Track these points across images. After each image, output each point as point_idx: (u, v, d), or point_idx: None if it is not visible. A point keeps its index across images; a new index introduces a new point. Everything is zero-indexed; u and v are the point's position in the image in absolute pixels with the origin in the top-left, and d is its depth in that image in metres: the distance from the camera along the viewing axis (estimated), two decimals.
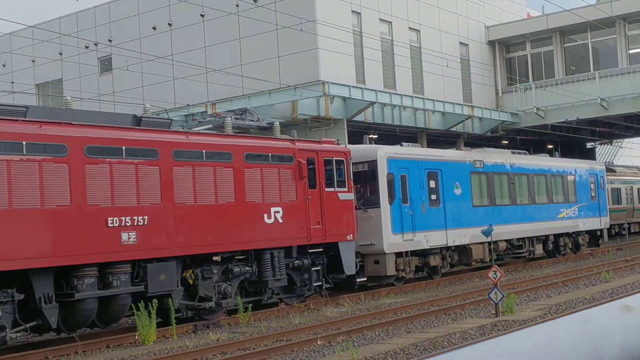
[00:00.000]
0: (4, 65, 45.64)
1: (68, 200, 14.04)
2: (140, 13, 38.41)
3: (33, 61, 43.69)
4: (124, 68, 37.94)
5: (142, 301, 14.71)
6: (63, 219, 13.94)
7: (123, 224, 14.79)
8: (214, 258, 17.23)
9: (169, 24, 36.48)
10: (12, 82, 42.85)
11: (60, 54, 41.75)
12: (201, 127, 18.90)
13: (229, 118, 18.57)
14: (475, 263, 26.25)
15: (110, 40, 39.10)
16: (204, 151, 16.56)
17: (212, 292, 16.80)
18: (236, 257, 17.67)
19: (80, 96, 38.67)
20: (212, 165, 16.66)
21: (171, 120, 17.13)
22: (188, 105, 30.65)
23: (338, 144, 20.68)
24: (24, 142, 13.50)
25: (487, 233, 19.00)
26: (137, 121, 16.16)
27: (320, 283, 19.50)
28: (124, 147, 15.05)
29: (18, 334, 14.15)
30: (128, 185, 15.03)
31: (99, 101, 37.11)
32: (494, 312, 15.65)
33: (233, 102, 30.46)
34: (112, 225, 14.63)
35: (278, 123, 19.63)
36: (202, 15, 34.32)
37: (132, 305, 14.78)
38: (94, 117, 15.94)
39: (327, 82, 28.80)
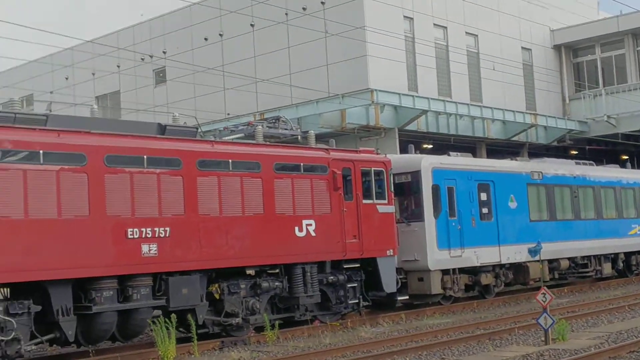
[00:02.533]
0: (66, 79, 46.87)
1: (86, 211, 14.08)
2: (193, 24, 38.91)
3: (93, 74, 44.75)
4: (177, 79, 38.50)
5: (162, 316, 14.63)
6: (81, 230, 13.97)
7: (143, 236, 14.75)
8: (248, 272, 17.07)
9: (220, 35, 36.82)
10: (74, 95, 44.00)
11: (118, 66, 42.71)
12: (232, 136, 18.81)
13: (260, 127, 18.42)
14: (534, 282, 25.18)
15: (164, 52, 39.74)
16: (230, 161, 16.42)
17: (239, 308, 16.60)
18: (266, 272, 17.45)
19: (136, 107, 39.46)
20: (239, 175, 16.51)
21: (197, 128, 17.05)
22: (228, 114, 30.75)
23: (377, 153, 20.29)
24: (41, 151, 13.62)
25: (534, 252, 18.06)
26: (162, 130, 16.16)
27: (357, 301, 19.06)
28: (145, 157, 15.04)
29: (34, 347, 14.24)
30: (149, 195, 14.98)
31: (153, 112, 37.65)
32: (543, 339, 14.85)
33: (281, 111, 30.41)
34: (132, 236, 14.60)
35: (312, 132, 19.36)
36: (252, 25, 34.51)
37: (153, 319, 14.69)
38: (117, 125, 16.00)
39: (376, 90, 28.47)
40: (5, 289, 13.63)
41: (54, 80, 46.87)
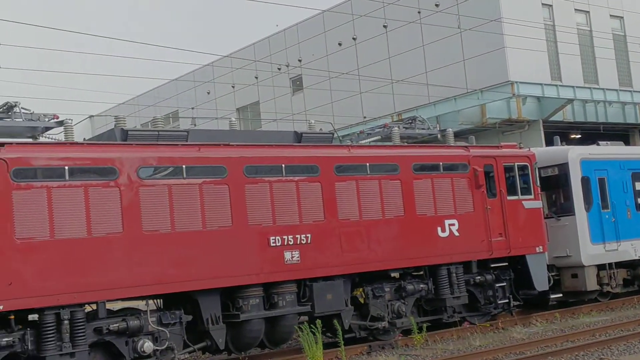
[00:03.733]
0: (208, 93, 48.74)
1: (229, 222, 14.54)
2: (326, 31, 39.48)
3: (233, 87, 46.29)
4: (314, 86, 39.14)
5: (307, 322, 14.89)
6: (225, 240, 14.45)
7: (285, 243, 15.06)
8: (392, 275, 17.10)
9: (354, 39, 37.13)
10: (216, 109, 45.68)
11: (256, 77, 43.95)
12: (368, 140, 18.90)
13: (396, 128, 18.41)
14: None
15: (299, 60, 40.54)
16: (367, 164, 16.51)
17: (384, 312, 16.65)
18: (410, 274, 17.41)
19: (275, 117, 40.47)
20: (377, 178, 16.57)
21: (333, 134, 17.25)
22: (365, 117, 30.88)
23: (520, 147, 19.79)
24: (183, 166, 14.22)
25: None
26: (299, 138, 16.46)
27: (507, 300, 18.66)
28: (283, 165, 15.37)
29: (187, 355, 14.86)
30: (289, 203, 15.29)
31: (292, 120, 38.49)
32: None
33: (419, 110, 30.30)
34: (274, 244, 14.94)
35: (451, 130, 19.14)
36: (384, 27, 34.60)
37: (299, 325, 14.98)
38: (254, 136, 16.45)
39: (517, 82, 27.80)
40: (157, 300, 14.33)
41: (197, 96, 48.82)
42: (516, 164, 18.98)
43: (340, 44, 38.24)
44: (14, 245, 12.11)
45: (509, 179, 18.86)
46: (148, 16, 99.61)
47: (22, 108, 13.93)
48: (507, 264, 18.67)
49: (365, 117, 34.32)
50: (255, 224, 14.80)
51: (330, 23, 39.10)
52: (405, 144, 18.72)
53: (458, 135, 19.86)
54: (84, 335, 12.75)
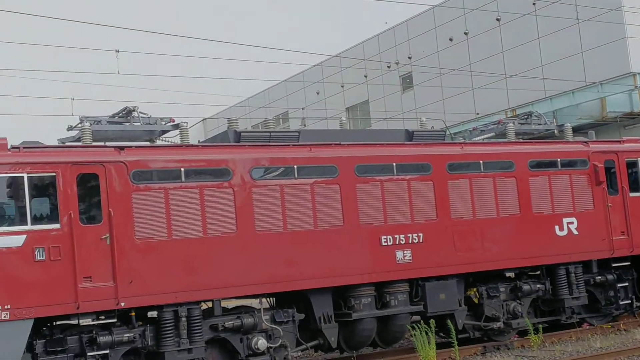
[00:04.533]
0: (317, 94, 49.31)
1: (341, 221, 14.76)
2: (437, 26, 39.24)
3: (342, 86, 46.65)
4: (424, 84, 38.98)
5: (421, 322, 14.93)
6: (337, 240, 14.67)
7: (397, 242, 15.16)
8: (507, 274, 16.94)
9: (465, 34, 36.77)
10: (325, 109, 46.21)
11: (365, 76, 44.14)
12: (482, 137, 18.72)
13: (511, 124, 18.17)
14: None
15: (409, 58, 40.45)
16: (481, 162, 16.39)
17: (499, 312, 16.49)
18: (526, 274, 17.18)
19: (385, 115, 40.56)
20: (491, 176, 16.44)
21: (445, 131, 17.21)
22: (477, 114, 30.53)
23: None
24: (295, 166, 14.54)
25: None
26: (410, 136, 16.51)
27: (630, 301, 18.11)
28: (394, 164, 15.47)
29: (300, 353, 15.18)
30: (400, 202, 15.38)
31: (402, 119, 38.48)
32: None
33: (534, 105, 29.72)
34: (385, 243, 15.07)
35: (569, 125, 18.73)
36: (497, 20, 34.12)
37: (412, 325, 15.05)
38: (365, 135, 16.60)
39: (639, 74, 26.86)
40: (271, 299, 14.71)
41: (306, 96, 49.46)
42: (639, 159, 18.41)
43: (451, 40, 37.95)
44: (134, 245, 12.73)
45: (631, 175, 18.30)
46: (256, 18, 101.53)
47: (140, 112, 14.59)
48: (629, 263, 18.13)
49: (478, 114, 33.96)
50: (367, 223, 14.97)
51: (441, 18, 38.85)
52: (521, 140, 18.44)
53: (577, 130, 19.41)
54: (200, 332, 13.25)
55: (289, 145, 14.87)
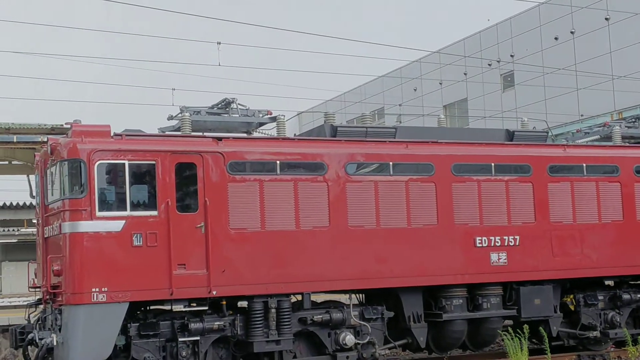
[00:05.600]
0: (414, 90, 49.04)
1: (435, 220, 14.65)
2: (542, 24, 38.42)
3: (440, 83, 46.27)
4: (526, 83, 38.26)
5: (512, 326, 14.69)
6: (430, 239, 14.58)
7: (492, 244, 14.95)
8: (606, 282, 16.50)
9: (572, 32, 35.87)
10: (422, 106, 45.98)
11: (465, 74, 43.61)
12: (586, 139, 18.23)
13: (617, 127, 17.64)
14: None
15: (511, 56, 39.76)
16: (584, 165, 16.01)
17: (596, 321, 16.07)
18: (627, 283, 16.67)
19: (484, 114, 40.02)
20: (594, 180, 16.03)
21: (547, 133, 16.85)
22: (582, 115, 29.72)
23: None
24: (390, 163, 14.50)
25: None
26: (510, 136, 16.24)
27: None
28: (492, 164, 15.24)
29: (388, 351, 15.15)
30: (497, 203, 15.15)
31: (501, 118, 37.89)
32: None
33: None
34: (480, 245, 14.88)
35: None
36: (606, 19, 33.14)
37: (505, 329, 14.83)
38: (463, 134, 16.41)
39: None
40: (360, 295, 14.73)
41: (403, 93, 49.20)
42: None
43: (556, 39, 37.08)
44: (228, 234, 12.96)
45: None
46: (353, 12, 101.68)
47: (238, 104, 14.83)
48: None
49: (582, 115, 33.06)
50: (462, 224, 14.82)
51: (547, 16, 38.00)
52: (627, 144, 17.88)
53: None
54: (289, 325, 13.38)
55: (385, 141, 14.83)
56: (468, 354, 16.13)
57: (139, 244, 12.32)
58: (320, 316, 13.75)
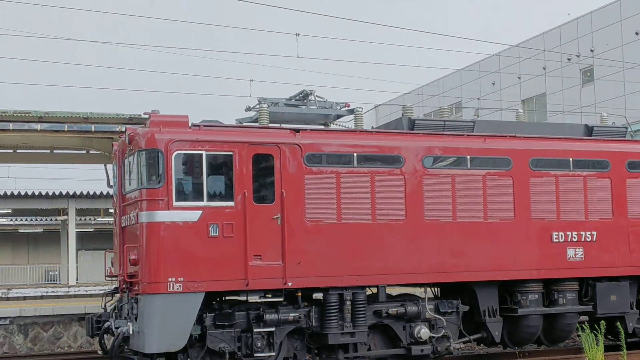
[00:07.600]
0: (493, 84, 47.97)
1: (512, 214, 14.13)
2: (623, 19, 36.99)
3: (519, 78, 45.14)
4: (606, 78, 36.94)
5: (588, 322, 14.09)
6: (506, 233, 14.06)
7: (569, 240, 14.40)
8: None
9: None
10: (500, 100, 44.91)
11: (544, 68, 42.41)
12: None
13: None
14: None
15: (591, 51, 38.47)
16: None
17: None
18: None
19: (563, 109, 38.80)
20: None
21: (626, 128, 16.06)
22: None
23: None
24: (468, 157, 14.02)
25: None
26: (589, 131, 15.58)
27: None
28: (571, 159, 14.64)
29: (462, 345, 14.69)
30: (575, 198, 14.59)
31: (580, 113, 36.74)
32: None
33: None
34: (557, 240, 14.34)
35: None
36: None
37: (580, 325, 14.20)
38: (541, 128, 15.79)
39: None
40: (435, 289, 14.30)
41: (481, 86, 48.18)
42: None
43: (637, 33, 35.63)
44: (304, 226, 12.69)
45: None
46: (439, 7, 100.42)
47: (316, 96, 14.53)
48: None
49: None
50: (538, 219, 14.31)
51: (628, 11, 36.55)
52: None
53: None
54: (364, 317, 13.05)
55: (462, 135, 14.36)
56: (543, 349, 15.51)
57: (215, 234, 12.15)
58: (396, 309, 13.37)
